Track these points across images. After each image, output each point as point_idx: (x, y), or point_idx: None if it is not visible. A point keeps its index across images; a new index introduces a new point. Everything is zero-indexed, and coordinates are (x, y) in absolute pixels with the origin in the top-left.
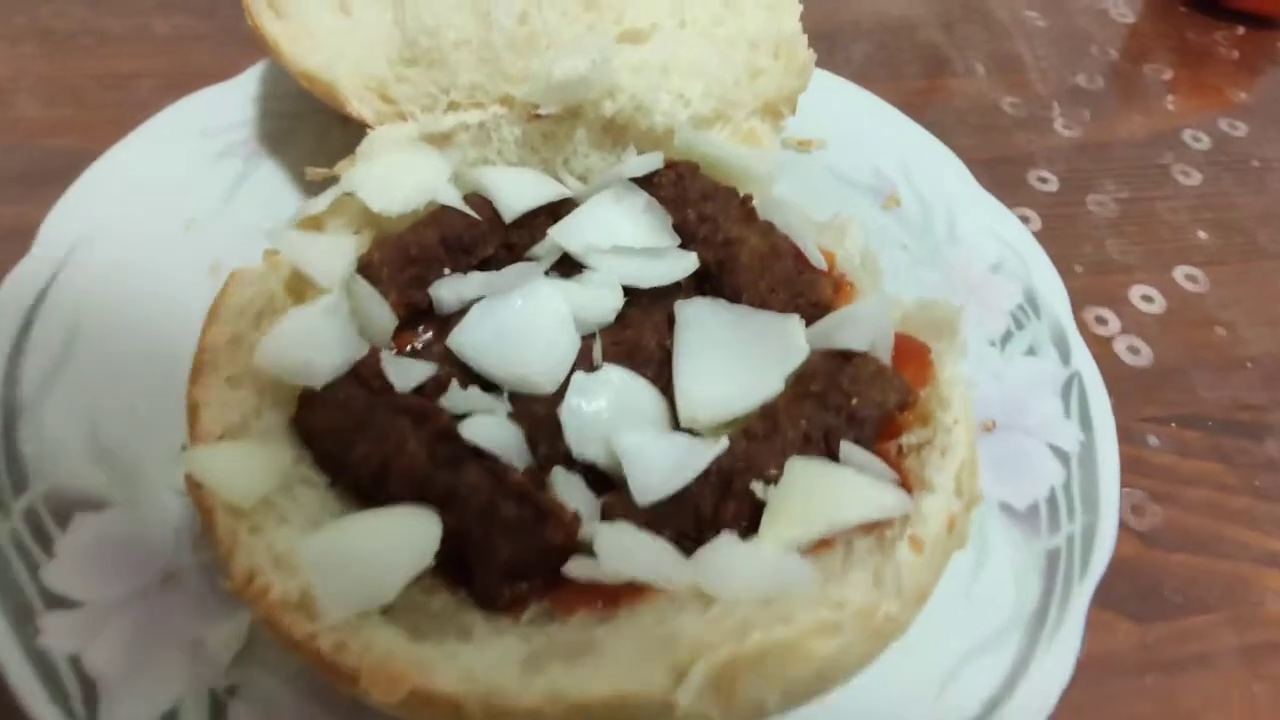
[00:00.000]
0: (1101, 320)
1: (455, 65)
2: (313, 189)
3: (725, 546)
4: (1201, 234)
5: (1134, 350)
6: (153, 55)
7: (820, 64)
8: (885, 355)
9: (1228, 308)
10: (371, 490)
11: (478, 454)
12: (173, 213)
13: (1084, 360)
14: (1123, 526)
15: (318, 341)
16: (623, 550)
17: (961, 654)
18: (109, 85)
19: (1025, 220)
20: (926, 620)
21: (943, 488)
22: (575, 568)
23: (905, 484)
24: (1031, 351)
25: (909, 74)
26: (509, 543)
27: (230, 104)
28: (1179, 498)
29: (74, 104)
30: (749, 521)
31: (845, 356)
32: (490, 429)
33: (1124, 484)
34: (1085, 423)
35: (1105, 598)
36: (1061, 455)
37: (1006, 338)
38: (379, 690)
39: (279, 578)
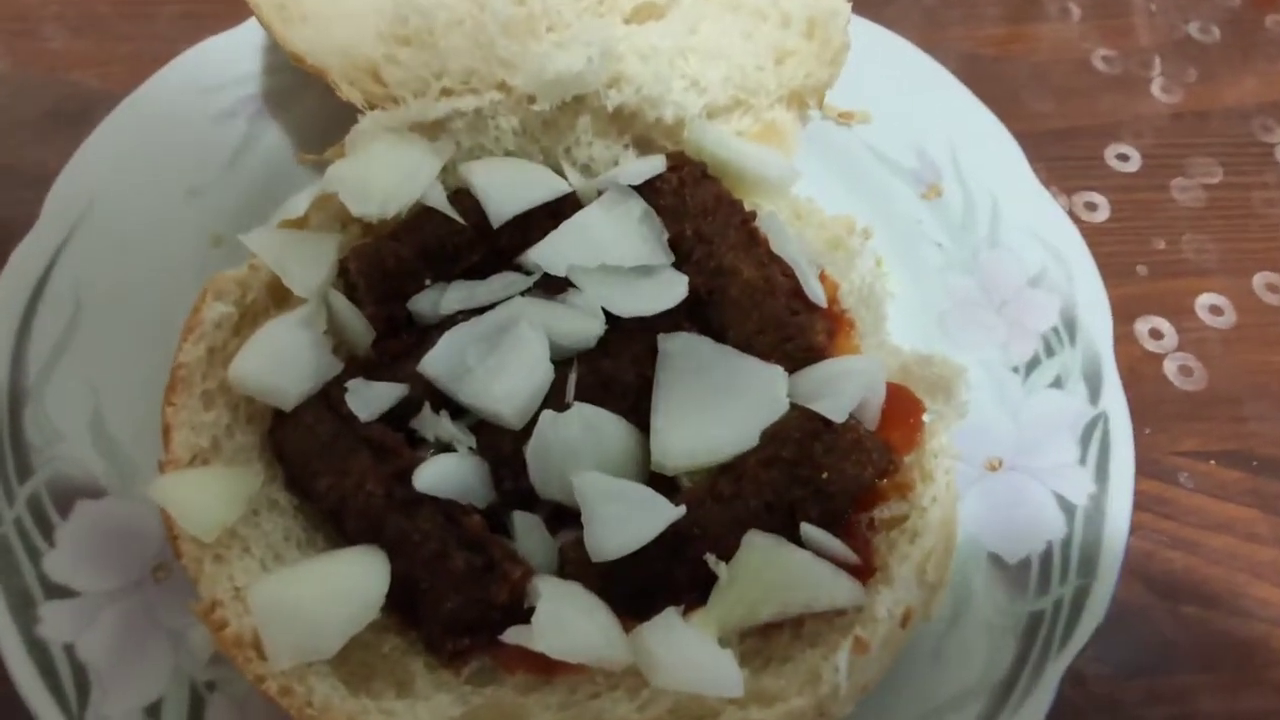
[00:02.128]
0: (1156, 334)
1: (448, 48)
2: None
3: (666, 629)
4: None
5: (1186, 371)
6: None
7: (883, 6)
8: (874, 412)
9: None
10: (331, 521)
11: (434, 497)
12: (175, 180)
13: (1115, 400)
14: (1130, 572)
15: (290, 361)
16: (559, 628)
17: (920, 716)
18: (129, 14)
19: (1092, 208)
20: (888, 673)
21: (902, 580)
22: (513, 635)
23: (868, 565)
24: (1058, 383)
25: (989, 16)
26: (455, 596)
27: (234, 56)
28: (1202, 546)
29: (96, 35)
30: (700, 589)
31: (825, 420)
32: (448, 472)
33: (1144, 525)
34: (1101, 474)
35: (1095, 643)
36: (1067, 507)
37: (1032, 365)
38: None
39: (235, 612)
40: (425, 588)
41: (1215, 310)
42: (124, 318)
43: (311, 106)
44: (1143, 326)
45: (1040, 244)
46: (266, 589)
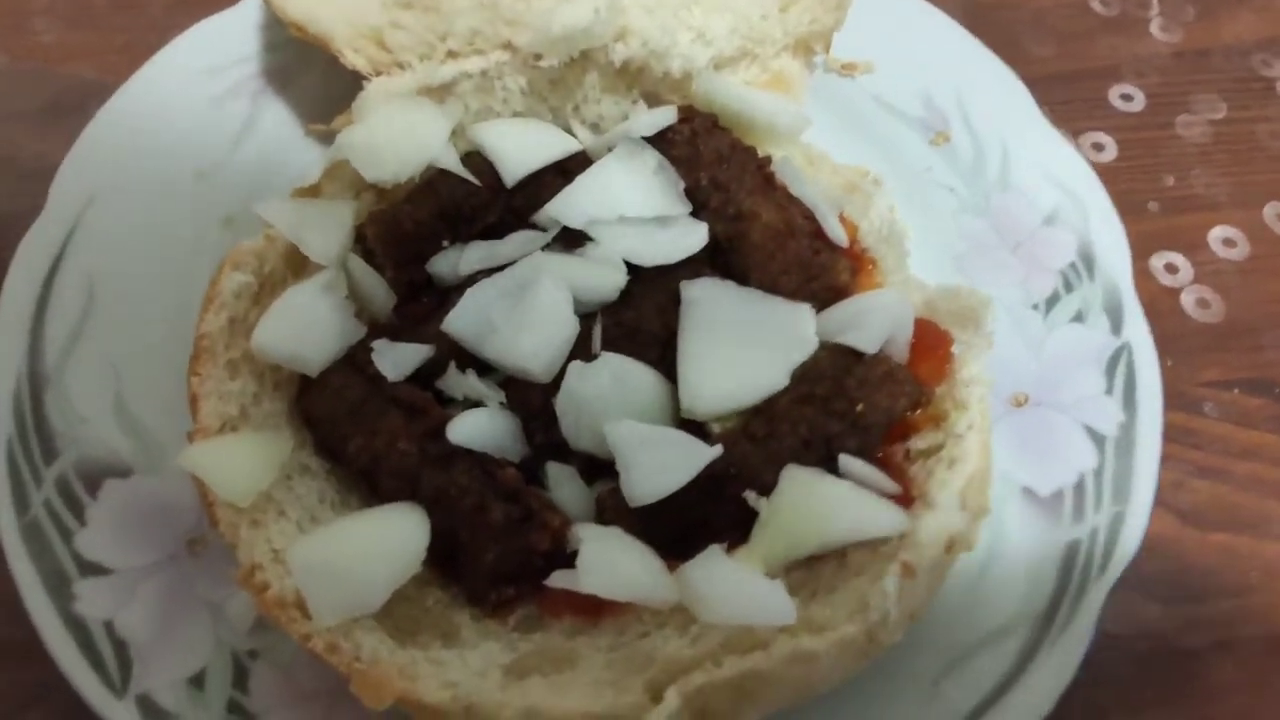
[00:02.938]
0: (1171, 268)
1: (451, 10)
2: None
3: (711, 564)
4: None
5: (1203, 304)
6: None
7: None
8: (902, 347)
9: None
10: (364, 482)
11: (470, 450)
12: (182, 163)
13: (1138, 330)
14: (1160, 503)
15: (313, 326)
16: (604, 568)
17: (960, 650)
18: (121, 6)
19: (1099, 148)
20: (927, 611)
21: (944, 505)
22: (558, 579)
23: (908, 494)
24: (1079, 318)
25: None
26: (495, 546)
27: (232, 36)
28: (1229, 473)
29: (90, 27)
30: (741, 528)
31: (855, 354)
32: (480, 426)
33: (1171, 456)
34: (1129, 403)
35: (1130, 578)
36: (1097, 438)
37: (1052, 301)
38: (367, 696)
39: (276, 575)
40: (465, 540)
41: (1228, 243)
42: (138, 301)
43: (313, 82)
44: (1157, 262)
45: (1053, 183)
46: (306, 549)
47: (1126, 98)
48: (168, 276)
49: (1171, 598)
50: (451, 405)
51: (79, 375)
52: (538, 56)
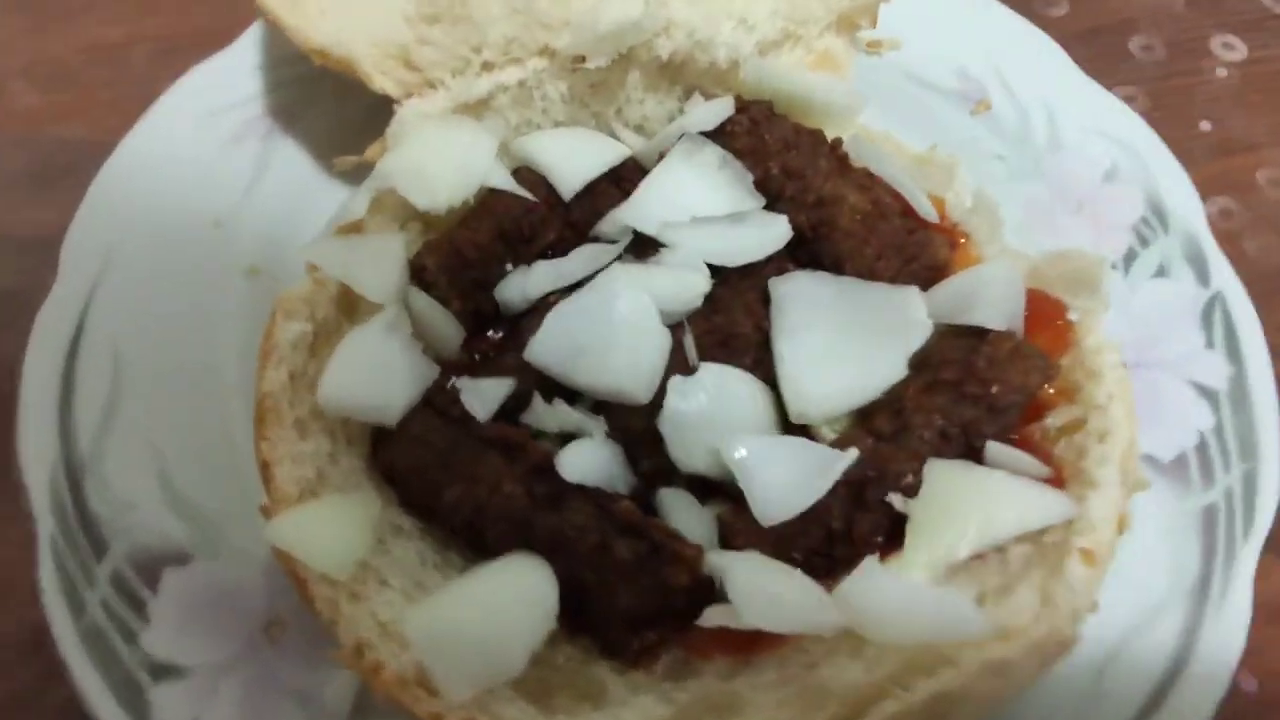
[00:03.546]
0: (1226, 214)
1: (484, 18)
2: (342, 173)
3: (873, 579)
4: None
5: (1267, 247)
6: (142, 16)
7: None
8: (1018, 320)
9: None
10: (468, 535)
11: (580, 486)
12: (196, 213)
13: (1226, 276)
14: None
15: (383, 371)
16: (762, 598)
17: (1116, 638)
18: (100, 60)
19: (1130, 100)
20: None
21: (1108, 482)
22: (713, 616)
23: (1059, 476)
24: (1162, 272)
25: None
26: (629, 589)
27: (234, 76)
28: None
29: (69, 85)
30: (886, 535)
31: (976, 332)
32: (589, 457)
33: None
34: (1233, 353)
35: (1268, 539)
36: (1209, 394)
37: (1130, 258)
38: None
39: (390, 651)
40: (593, 585)
41: (1275, 183)
42: (168, 367)
43: (322, 116)
44: (1211, 209)
45: (1105, 138)
46: (424, 618)
47: (1147, 48)
48: (194, 337)
49: None
50: (538, 440)
51: (118, 457)
52: (580, 59)
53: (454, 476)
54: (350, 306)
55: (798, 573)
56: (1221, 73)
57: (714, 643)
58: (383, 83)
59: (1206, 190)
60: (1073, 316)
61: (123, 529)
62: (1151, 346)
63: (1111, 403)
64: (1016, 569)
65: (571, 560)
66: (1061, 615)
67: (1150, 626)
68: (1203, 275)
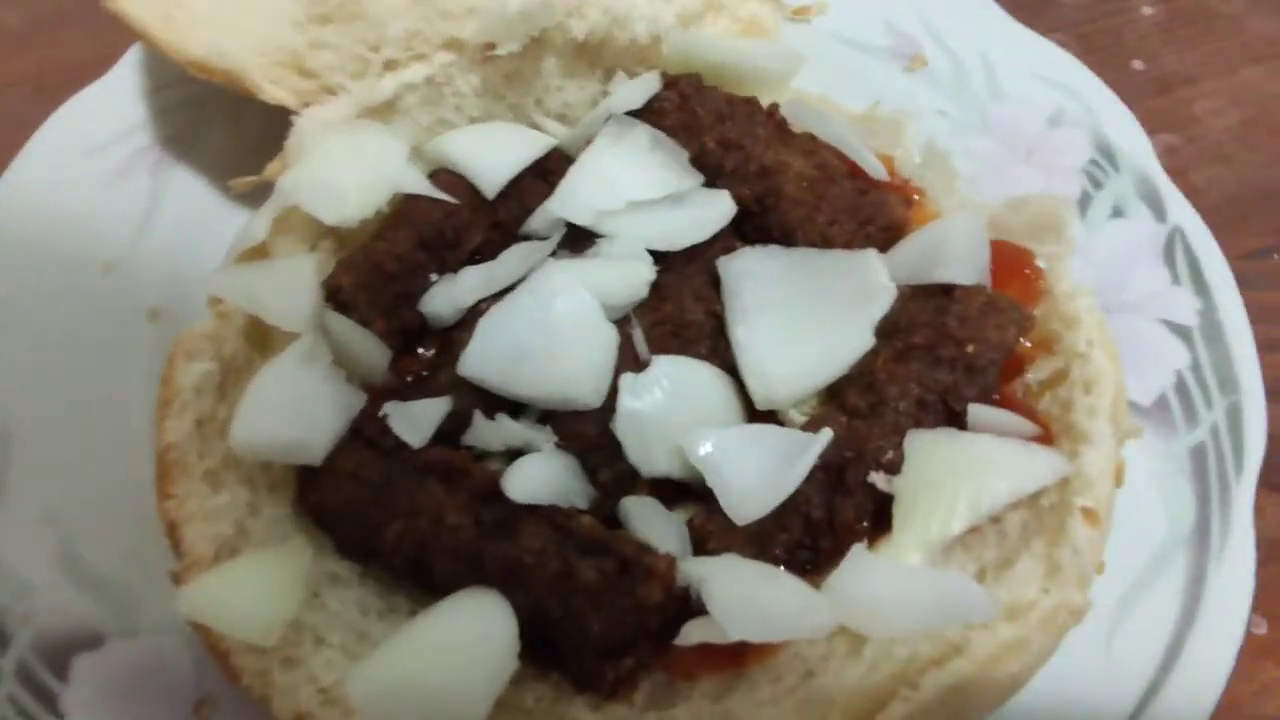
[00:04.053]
0: (1171, 150)
1: (380, 14)
2: (242, 194)
3: (862, 568)
4: (1261, 20)
5: (1215, 178)
6: (12, 56)
7: None
8: (984, 273)
9: None
10: (415, 575)
11: (533, 506)
12: (84, 258)
13: (1182, 210)
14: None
15: (303, 406)
16: (747, 607)
17: (1120, 597)
18: None
19: (1062, 46)
20: None
21: (1100, 434)
22: (694, 632)
23: (1048, 433)
24: (1118, 213)
25: None
26: (599, 615)
27: (114, 106)
28: None
29: None
30: (872, 519)
31: (944, 291)
32: (539, 473)
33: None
34: (1200, 286)
35: (1261, 473)
36: (1181, 331)
37: (1085, 202)
38: None
39: (332, 718)
40: (558, 615)
41: (1217, 112)
42: (65, 428)
43: (219, 138)
44: (1156, 147)
45: (1044, 83)
46: (369, 676)
47: None
48: (93, 393)
49: None
50: (484, 461)
51: (12, 536)
52: (490, 47)
53: (392, 512)
54: (262, 340)
55: (781, 572)
56: (1147, 10)
57: (698, 661)
58: (275, 93)
59: (1148, 129)
60: (1040, 263)
61: (24, 615)
62: (1118, 289)
63: (1093, 349)
64: (1015, 539)
65: (531, 590)
66: (1070, 582)
67: (1154, 580)
68: (1159, 211)
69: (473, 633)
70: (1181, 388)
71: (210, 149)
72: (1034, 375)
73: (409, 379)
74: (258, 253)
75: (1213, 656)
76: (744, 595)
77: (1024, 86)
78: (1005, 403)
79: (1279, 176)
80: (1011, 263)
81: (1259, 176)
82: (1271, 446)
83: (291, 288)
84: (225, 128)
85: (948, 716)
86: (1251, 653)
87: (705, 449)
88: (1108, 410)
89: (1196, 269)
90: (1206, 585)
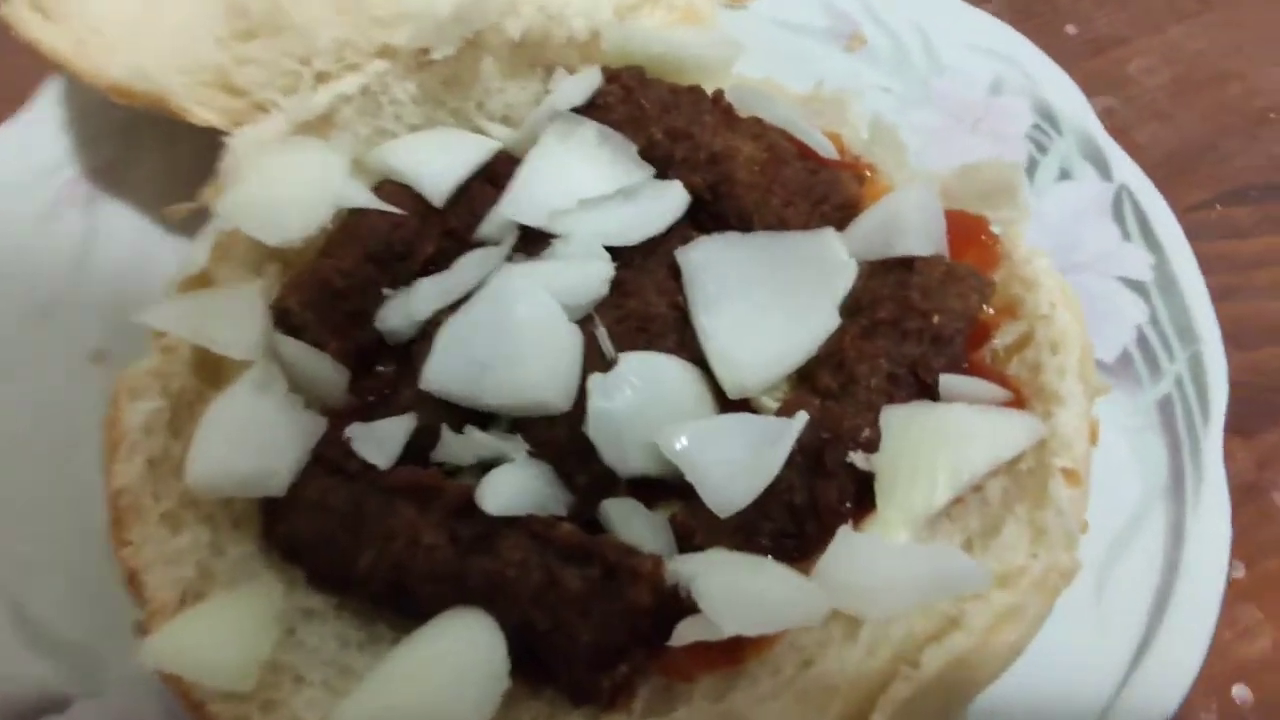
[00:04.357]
0: (1109, 111)
1: (308, 24)
2: (182, 223)
3: (850, 549)
4: None
5: (1154, 136)
6: None
7: None
8: (941, 243)
9: (1231, 56)
10: (394, 601)
11: (511, 518)
12: (17, 304)
13: (1126, 168)
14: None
15: (260, 436)
16: (739, 600)
17: (1103, 555)
18: None
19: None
20: None
21: (1071, 394)
22: (687, 632)
23: (1019, 398)
24: (1065, 175)
25: None
26: (589, 623)
27: (37, 141)
28: (1249, 285)
29: None
30: (855, 499)
31: (904, 264)
32: (512, 483)
33: None
34: (1151, 241)
35: (1236, 417)
36: (1136, 287)
37: (1032, 167)
38: None
39: None
40: (546, 628)
41: (1149, 71)
42: (9, 485)
43: (152, 166)
44: (1095, 108)
45: (982, 53)
46: (355, 712)
47: None
48: (38, 444)
49: (1254, 427)
50: (457, 477)
51: None
52: (425, 52)
53: (365, 539)
54: (212, 372)
55: (769, 562)
56: None
57: (695, 661)
58: (203, 114)
59: (1086, 92)
60: (995, 229)
61: None
62: (1071, 250)
63: (1055, 310)
64: (997, 506)
65: (516, 605)
66: (1057, 544)
67: (1135, 536)
68: (1104, 170)
69: (460, 655)
70: (1143, 342)
71: (143, 178)
72: (1000, 341)
73: (370, 399)
74: (199, 281)
75: (1200, 604)
76: (734, 588)
77: (963, 58)
78: (974, 370)
79: (1214, 130)
80: (967, 231)
81: (1195, 132)
82: (1232, 392)
83: (238, 315)
84: (157, 154)
85: (950, 691)
86: (1232, 597)
87: (680, 443)
88: (1076, 369)
89: (1146, 225)
90: (1186, 535)
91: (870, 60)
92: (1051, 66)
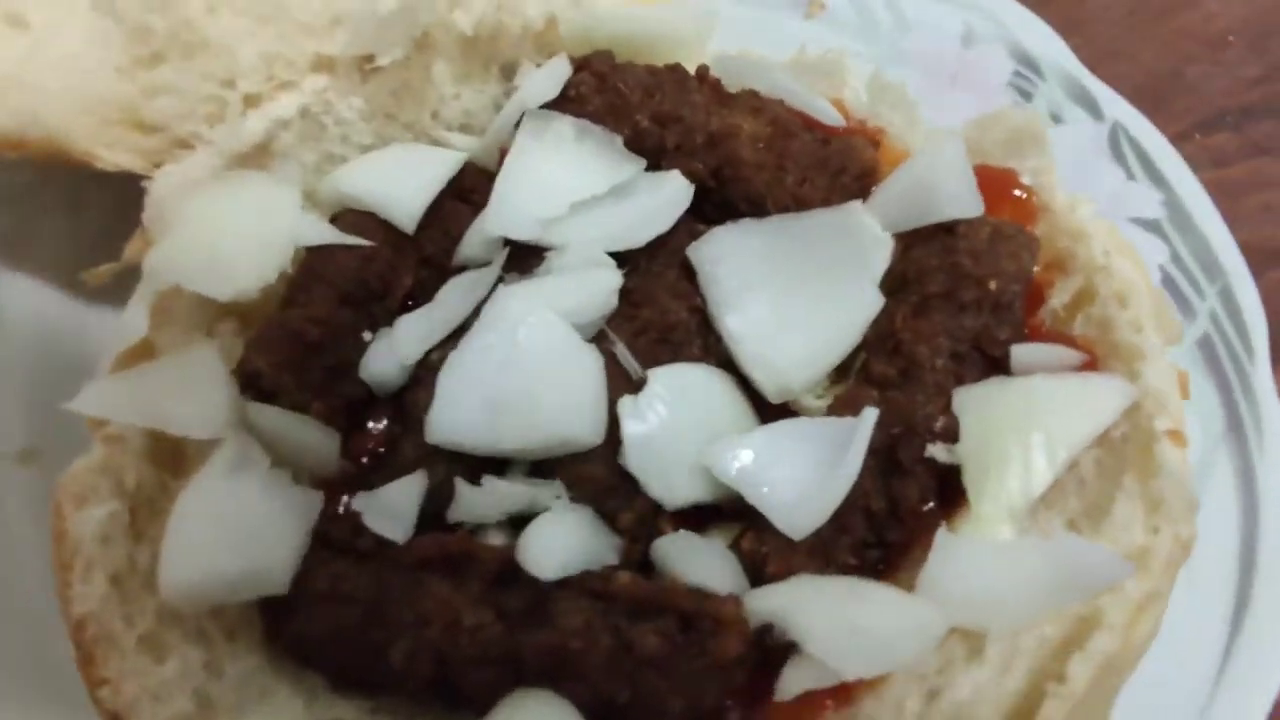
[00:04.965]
0: (1076, 49)
1: (225, 39)
2: (103, 290)
3: (954, 554)
4: None
5: (1121, 74)
6: None
7: None
8: (980, 206)
9: None
10: (440, 695)
11: (563, 580)
12: None
13: (1119, 106)
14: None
15: (246, 524)
16: (845, 637)
17: None
18: None
19: None
20: None
21: (1153, 347)
22: (793, 682)
23: (1093, 360)
24: (1056, 119)
25: None
26: (677, 688)
27: None
28: (1242, 212)
29: None
30: (940, 497)
31: (944, 230)
32: (560, 536)
33: None
34: (1155, 177)
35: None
36: (1151, 226)
37: None
38: None
39: None
40: (627, 700)
41: (1105, 7)
42: None
43: (58, 227)
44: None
45: (948, 4)
46: None
47: None
48: None
49: None
50: (477, 536)
51: None
52: (369, 59)
53: (395, 627)
54: (171, 458)
55: (867, 584)
56: None
57: (802, 710)
58: (113, 158)
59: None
60: (1026, 180)
61: None
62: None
63: (1112, 259)
64: (1096, 482)
65: (588, 679)
66: (1177, 514)
67: (1205, 486)
68: (1094, 110)
69: None
70: (1169, 282)
71: (49, 243)
72: (1058, 300)
73: (363, 461)
74: (140, 353)
75: None
76: (839, 622)
77: (927, 10)
78: (1037, 336)
79: (1174, 59)
80: (998, 186)
81: (1158, 63)
82: (1271, 320)
83: (195, 386)
84: (62, 214)
85: (1101, 697)
86: None
87: (737, 464)
88: (1151, 319)
89: (1147, 160)
90: (1257, 478)
91: (833, 25)
92: (1020, 10)
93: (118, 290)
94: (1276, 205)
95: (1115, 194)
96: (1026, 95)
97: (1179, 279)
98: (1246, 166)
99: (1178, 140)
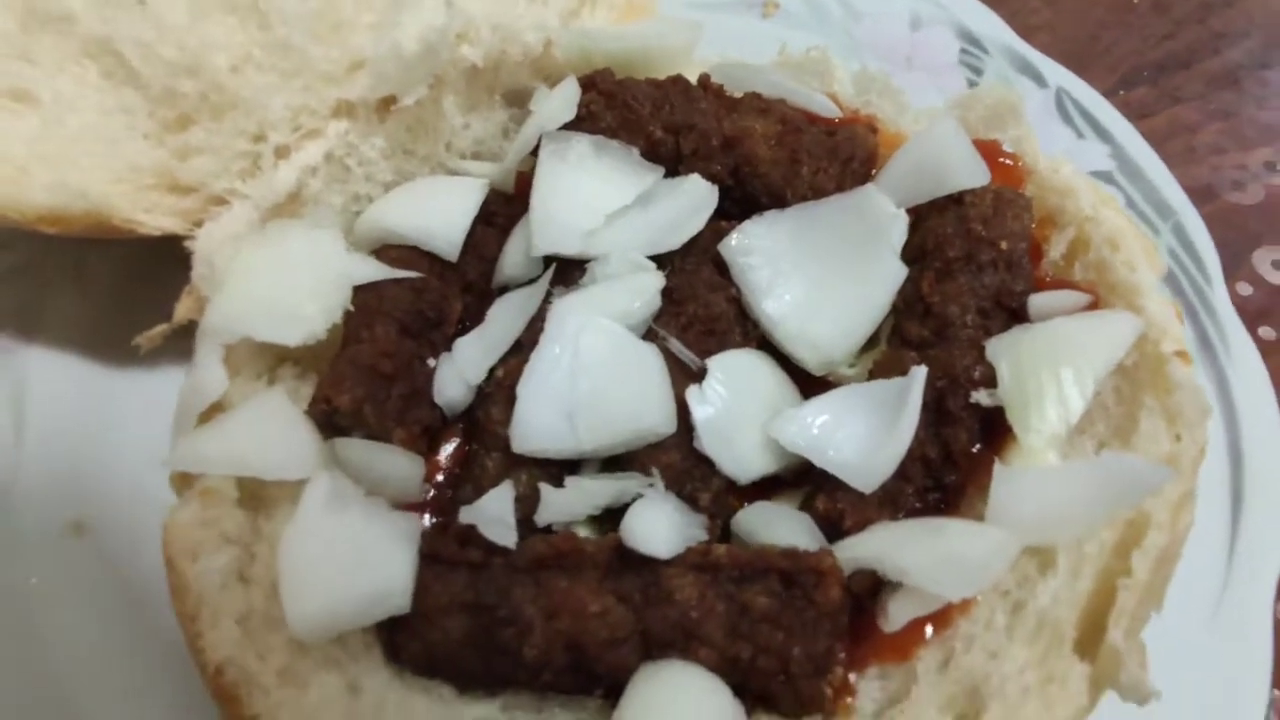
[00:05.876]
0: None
1: (253, 95)
2: (123, 356)
3: (1015, 484)
4: None
5: (1047, 44)
6: None
7: None
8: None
9: None
10: (572, 681)
11: (667, 559)
12: None
13: (1056, 70)
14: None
15: (357, 553)
16: (942, 566)
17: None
18: None
19: None
20: None
21: (1149, 284)
22: (899, 613)
23: (1096, 300)
24: None
25: None
26: (795, 636)
27: None
28: (1168, 155)
29: None
30: (986, 438)
31: (952, 201)
32: (662, 518)
33: None
34: (1100, 132)
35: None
36: (1105, 177)
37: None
38: None
39: None
40: (750, 655)
41: None
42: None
43: (69, 301)
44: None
45: None
46: None
47: None
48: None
49: None
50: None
51: None
52: (389, 101)
53: (525, 625)
54: (264, 502)
55: (946, 521)
56: None
57: (909, 639)
58: (155, 222)
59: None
60: (1008, 149)
61: None
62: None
63: (1098, 208)
64: (1117, 405)
65: (712, 643)
66: (1195, 421)
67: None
68: (1038, 79)
69: (690, 712)
70: None
71: (60, 315)
72: (1055, 252)
73: (441, 480)
74: (217, 410)
75: (1266, 440)
76: (933, 554)
77: (874, 1)
78: (1043, 287)
79: (1090, 26)
80: (986, 156)
81: (1076, 29)
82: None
83: (276, 431)
84: (68, 286)
85: (1158, 585)
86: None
87: (804, 433)
88: (1142, 258)
89: (1092, 119)
90: (1230, 385)
91: (789, 22)
92: None
93: (138, 357)
94: (1198, 146)
95: (1068, 152)
96: (977, 70)
97: (1136, 221)
98: (1166, 115)
99: (1108, 96)
